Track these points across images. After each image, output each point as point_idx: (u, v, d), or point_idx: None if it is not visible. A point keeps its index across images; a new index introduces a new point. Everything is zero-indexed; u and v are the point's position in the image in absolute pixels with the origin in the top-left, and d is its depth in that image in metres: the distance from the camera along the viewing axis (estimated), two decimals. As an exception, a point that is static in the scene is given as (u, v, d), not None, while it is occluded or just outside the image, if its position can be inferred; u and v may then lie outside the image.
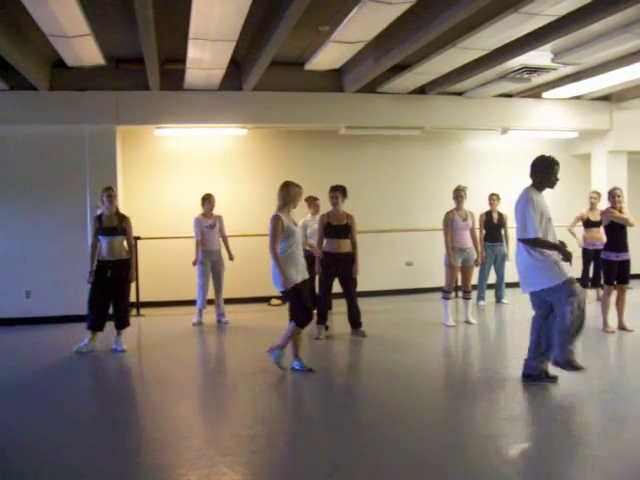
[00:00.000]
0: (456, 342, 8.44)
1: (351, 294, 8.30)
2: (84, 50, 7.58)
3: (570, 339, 5.68)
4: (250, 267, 9.99)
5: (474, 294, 9.71)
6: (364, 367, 7.42)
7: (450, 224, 8.78)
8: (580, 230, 10.32)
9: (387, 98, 10.52)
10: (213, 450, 4.55)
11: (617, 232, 8.05)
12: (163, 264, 10.53)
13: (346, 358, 7.88)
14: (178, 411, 5.56)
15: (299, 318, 6.40)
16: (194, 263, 9.22)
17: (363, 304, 8.56)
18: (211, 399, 6.07)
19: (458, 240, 8.80)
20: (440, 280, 9.13)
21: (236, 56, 8.31)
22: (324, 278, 8.16)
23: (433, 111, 10.82)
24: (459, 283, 9.25)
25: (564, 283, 5.66)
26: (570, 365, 5.75)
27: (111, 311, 7.74)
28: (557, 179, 5.90)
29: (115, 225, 7.65)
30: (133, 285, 8.27)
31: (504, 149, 12.31)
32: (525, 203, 5.78)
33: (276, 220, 6.34)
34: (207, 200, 9.30)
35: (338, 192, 8.24)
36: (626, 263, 8.08)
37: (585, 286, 10.39)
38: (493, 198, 10.42)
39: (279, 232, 6.32)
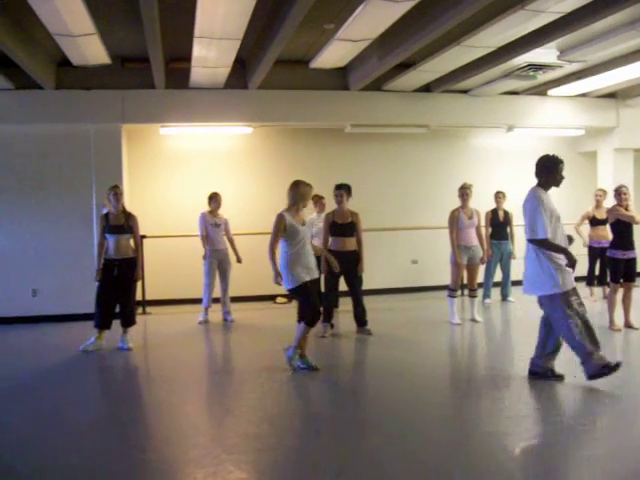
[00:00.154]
0: (462, 340, 8.43)
1: (357, 292, 8.30)
2: (89, 49, 7.60)
3: (591, 349, 5.64)
4: (256, 265, 9.99)
5: (480, 292, 9.70)
6: (370, 365, 7.41)
7: (456, 222, 8.76)
8: (586, 228, 10.29)
9: (392, 96, 10.51)
10: (219, 448, 4.55)
11: (623, 230, 8.02)
12: (168, 262, 10.55)
13: (352, 356, 7.88)
14: (184, 409, 5.57)
15: (308, 317, 6.40)
16: (204, 257, 9.24)
17: (369, 302, 8.56)
18: (217, 397, 6.08)
19: (464, 238, 8.78)
20: (446, 278, 9.12)
21: (241, 54, 8.32)
22: (329, 276, 8.16)
23: (438, 109, 10.81)
24: (465, 281, 9.23)
25: (562, 294, 5.66)
26: (607, 369, 5.65)
27: (117, 309, 7.76)
28: (562, 177, 5.88)
29: (122, 223, 7.66)
30: (139, 283, 8.28)
31: (510, 147, 12.29)
32: (534, 204, 5.74)
33: (278, 219, 6.37)
34: (214, 199, 9.31)
35: (343, 190, 8.24)
36: (632, 261, 8.06)
37: (591, 284, 10.40)
38: (499, 196, 10.40)
39: (280, 231, 6.35)
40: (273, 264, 6.43)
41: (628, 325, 8.13)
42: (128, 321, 7.76)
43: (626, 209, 8.01)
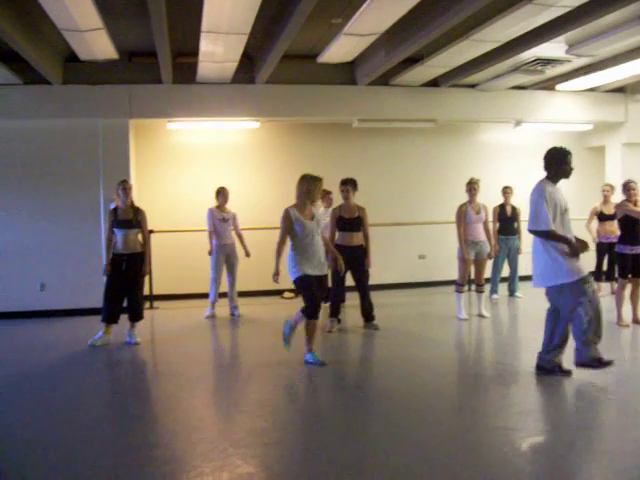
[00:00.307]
0: (469, 335, 8.42)
1: (364, 287, 8.30)
2: (97, 44, 7.61)
3: (591, 339, 5.65)
4: (263, 260, 9.98)
5: (487, 287, 9.68)
6: (377, 360, 7.41)
7: (463, 217, 8.75)
8: (594, 224, 10.26)
9: (400, 91, 10.50)
10: (226, 442, 4.57)
11: (631, 225, 7.98)
12: (176, 257, 10.57)
13: (359, 351, 7.88)
14: (191, 403, 5.59)
15: (306, 310, 6.44)
16: (210, 253, 9.26)
17: (376, 297, 8.56)
18: (224, 391, 6.09)
19: (471, 233, 8.77)
20: (453, 273, 9.11)
21: (248, 49, 8.31)
22: (336, 272, 8.14)
23: (446, 104, 10.79)
24: (472, 276, 9.22)
25: (574, 283, 5.63)
26: (598, 362, 5.71)
27: (125, 304, 7.78)
28: (572, 168, 5.87)
29: (130, 218, 7.67)
30: (146, 278, 8.30)
31: (517, 142, 12.26)
32: (539, 195, 5.76)
33: (283, 215, 6.42)
34: (221, 193, 9.32)
35: (349, 185, 8.24)
36: (640, 256, 8.04)
37: (599, 280, 10.36)
38: (507, 191, 10.37)
39: (286, 227, 6.38)
40: (276, 262, 6.45)
41: (636, 321, 8.11)
42: (136, 316, 7.78)
43: (635, 204, 7.97)
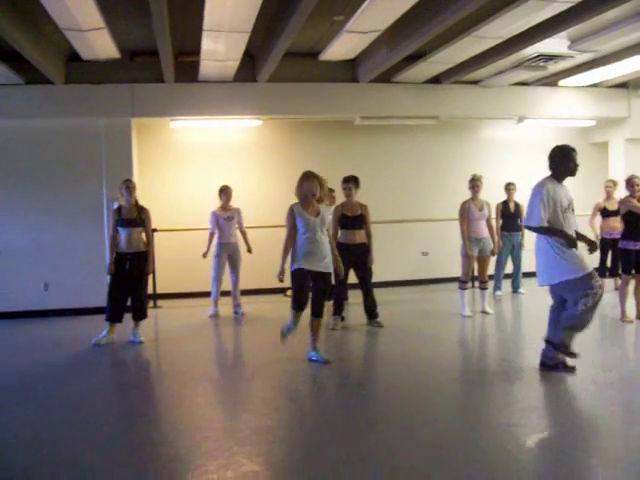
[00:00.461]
0: (473, 332, 8.42)
1: (367, 284, 8.30)
2: (99, 43, 7.61)
3: (576, 326, 5.72)
4: (266, 258, 9.99)
5: (491, 284, 9.68)
6: (380, 358, 7.41)
7: (466, 214, 8.74)
8: (598, 219, 10.24)
9: (402, 88, 10.49)
10: (231, 440, 4.57)
11: (635, 221, 7.96)
12: (179, 256, 10.57)
13: (362, 349, 7.88)
14: (195, 402, 5.59)
15: (293, 303, 6.45)
16: (204, 255, 9.25)
17: (379, 294, 8.56)
18: (228, 390, 6.10)
19: (474, 230, 8.76)
20: (456, 270, 9.11)
21: (250, 47, 8.30)
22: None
23: (448, 100, 10.77)
24: (476, 273, 9.21)
25: (583, 277, 5.62)
26: (565, 348, 5.81)
27: (129, 303, 7.79)
28: (577, 165, 5.86)
29: (134, 217, 7.68)
30: (150, 277, 8.31)
31: (520, 138, 12.24)
32: (537, 191, 5.79)
33: (287, 213, 6.41)
34: (224, 192, 9.32)
35: (351, 183, 8.24)
36: (644, 252, 8.02)
37: (603, 275, 10.34)
38: (510, 187, 10.36)
39: (289, 223, 6.38)
40: (282, 261, 6.43)
41: (640, 317, 8.10)
42: (140, 315, 7.79)
43: (638, 200, 7.95)
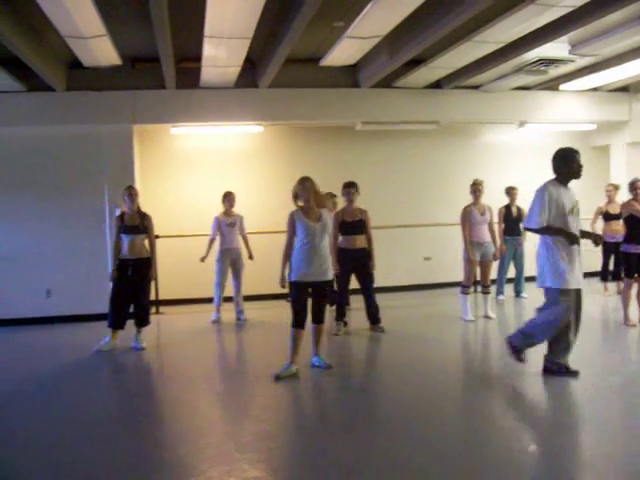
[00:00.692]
0: (475, 337, 8.41)
1: (368, 290, 8.29)
2: (100, 50, 7.63)
3: (531, 334, 5.89)
4: (268, 264, 9.99)
5: (493, 288, 9.67)
6: (383, 363, 7.41)
7: (468, 218, 8.75)
8: (599, 223, 10.24)
9: (403, 93, 10.49)
10: (233, 446, 4.57)
11: (637, 224, 7.96)
12: (181, 262, 10.56)
13: (365, 354, 7.88)
14: (198, 407, 5.59)
15: (292, 317, 6.34)
16: (202, 260, 9.25)
17: (382, 300, 8.55)
18: (230, 396, 6.09)
19: (476, 234, 8.77)
20: (459, 275, 9.10)
21: (251, 53, 8.31)
22: (341, 274, 8.14)
23: (449, 105, 10.78)
24: (478, 278, 9.21)
25: (556, 289, 5.73)
26: (516, 351, 5.99)
27: (131, 309, 7.79)
28: (581, 167, 5.86)
29: (137, 224, 7.69)
30: (152, 283, 8.31)
31: (521, 142, 12.24)
32: (538, 193, 5.82)
33: (288, 217, 6.34)
34: (227, 197, 9.33)
35: (353, 188, 8.24)
36: (646, 255, 8.01)
37: (605, 279, 10.35)
38: (512, 192, 10.35)
39: (289, 229, 6.31)
40: (282, 267, 6.38)
41: (643, 320, 8.08)
42: (142, 321, 7.79)
43: (641, 203, 7.95)
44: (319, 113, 10.40)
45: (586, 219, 9.87)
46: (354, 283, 8.38)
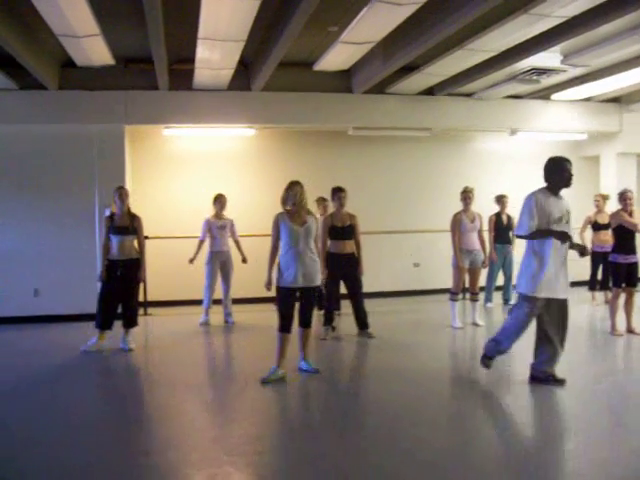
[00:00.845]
0: (463, 344, 8.42)
1: (356, 295, 8.28)
2: (93, 50, 7.62)
3: (499, 340, 6.05)
4: (257, 267, 9.95)
5: (481, 296, 9.69)
6: (370, 368, 7.40)
7: (458, 225, 8.76)
8: (589, 233, 10.29)
9: (396, 99, 10.52)
10: (219, 450, 4.55)
11: (625, 235, 8.01)
12: (170, 264, 10.53)
13: (352, 359, 7.87)
14: (185, 410, 5.57)
15: (278, 322, 6.32)
16: (190, 261, 9.23)
17: (370, 305, 8.55)
18: (217, 399, 6.08)
19: (466, 242, 8.78)
20: (448, 281, 9.12)
21: (245, 56, 8.32)
22: (329, 280, 8.13)
23: (442, 112, 10.81)
24: (467, 285, 9.23)
25: (525, 294, 5.87)
26: (484, 360, 6.19)
27: (120, 310, 7.76)
28: (571, 175, 5.88)
29: (127, 225, 7.67)
30: (141, 284, 8.28)
31: (513, 151, 12.29)
32: (526, 201, 5.87)
33: (273, 220, 6.33)
34: (218, 200, 9.32)
35: (344, 192, 8.24)
36: (634, 265, 8.05)
37: (593, 289, 10.39)
38: (503, 200, 10.39)
39: (273, 232, 6.30)
40: (268, 270, 6.39)
41: (630, 330, 8.11)
42: (130, 322, 7.76)
43: (630, 214, 7.99)
44: (312, 117, 10.41)
45: (575, 228, 9.92)
46: (343, 288, 8.38)
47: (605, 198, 10.24)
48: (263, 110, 10.13)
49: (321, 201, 9.52)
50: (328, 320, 8.32)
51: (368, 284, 8.65)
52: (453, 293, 8.86)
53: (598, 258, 10.02)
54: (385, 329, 8.67)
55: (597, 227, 10.08)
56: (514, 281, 10.31)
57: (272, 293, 6.39)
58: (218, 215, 9.34)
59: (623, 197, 8.09)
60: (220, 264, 9.34)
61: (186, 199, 10.83)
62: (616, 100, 11.51)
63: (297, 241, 6.21)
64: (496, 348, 6.13)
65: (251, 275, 9.60)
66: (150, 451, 4.62)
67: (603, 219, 9.89)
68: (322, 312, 8.40)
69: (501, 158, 12.28)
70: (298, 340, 6.54)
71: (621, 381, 6.40)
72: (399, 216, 11.68)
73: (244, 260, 9.34)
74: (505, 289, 10.66)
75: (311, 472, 4.21)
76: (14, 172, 9.60)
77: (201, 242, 9.30)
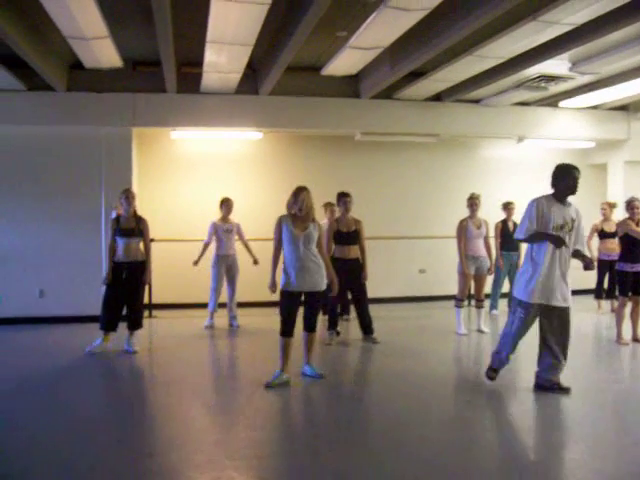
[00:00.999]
0: (468, 351, 8.40)
1: (361, 300, 8.28)
2: (102, 52, 7.64)
3: (502, 347, 6.08)
4: (262, 271, 9.95)
5: (487, 303, 9.66)
6: (374, 374, 7.38)
7: (464, 232, 8.75)
8: (595, 241, 10.25)
9: (403, 105, 10.52)
10: (222, 454, 4.54)
11: (632, 243, 7.97)
12: (176, 266, 10.53)
13: (357, 364, 7.86)
14: (188, 413, 5.56)
15: (280, 326, 6.30)
16: (194, 263, 9.23)
17: (376, 311, 8.54)
18: (220, 402, 6.07)
19: (471, 248, 8.76)
20: (453, 288, 9.09)
21: (253, 60, 8.34)
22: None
23: (449, 118, 10.80)
24: (472, 291, 9.21)
25: (519, 299, 5.92)
26: (488, 372, 6.23)
27: (124, 312, 7.76)
28: (576, 182, 5.85)
29: (133, 227, 7.67)
30: (146, 287, 8.28)
31: (520, 158, 12.26)
32: (528, 206, 5.89)
33: (276, 222, 6.32)
34: (225, 204, 9.32)
35: (350, 198, 8.24)
36: (640, 274, 8.02)
37: (599, 297, 10.35)
38: (510, 207, 10.35)
39: (275, 235, 6.30)
40: (271, 273, 6.35)
41: (636, 339, 8.07)
42: (135, 324, 7.77)
43: (637, 223, 7.95)
44: (319, 122, 10.42)
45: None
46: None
47: (612, 206, 10.20)
48: (270, 114, 10.14)
49: (328, 206, 9.50)
50: (332, 325, 8.31)
51: (374, 289, 8.63)
52: (458, 300, 8.84)
53: (604, 266, 9.98)
54: (390, 334, 8.65)
55: (604, 235, 10.04)
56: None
57: (277, 297, 6.38)
58: (224, 218, 9.34)
59: (630, 205, 8.05)
60: (226, 267, 9.34)
61: (193, 202, 10.84)
62: (624, 108, 11.48)
63: (296, 247, 6.19)
64: (498, 358, 6.15)
65: (256, 279, 9.59)
66: (153, 453, 4.61)
67: (610, 227, 9.86)
68: (327, 317, 8.39)
69: (508, 165, 12.25)
70: (303, 345, 6.53)
71: (626, 389, 6.37)
72: (405, 222, 11.66)
73: (255, 261, 9.30)
74: (510, 296, 10.59)
75: (313, 477, 4.19)
76: (20, 173, 9.63)
77: (206, 245, 9.31)
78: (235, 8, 5.92)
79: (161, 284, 10.15)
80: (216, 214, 9.38)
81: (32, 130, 9.66)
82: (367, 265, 8.28)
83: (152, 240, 8.10)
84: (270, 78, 8.76)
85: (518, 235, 5.94)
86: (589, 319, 9.83)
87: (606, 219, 10.08)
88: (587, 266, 5.85)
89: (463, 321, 8.86)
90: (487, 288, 9.40)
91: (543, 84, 9.31)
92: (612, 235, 9.72)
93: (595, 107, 11.27)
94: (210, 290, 9.39)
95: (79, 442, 4.82)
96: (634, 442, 4.84)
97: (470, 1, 6.17)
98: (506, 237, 10.30)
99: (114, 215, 8.03)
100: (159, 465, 4.35)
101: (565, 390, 5.86)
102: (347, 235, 8.16)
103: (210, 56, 7.66)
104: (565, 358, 5.90)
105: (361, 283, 8.24)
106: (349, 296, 8.47)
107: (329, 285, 6.50)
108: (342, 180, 10.11)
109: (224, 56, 7.64)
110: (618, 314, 8.16)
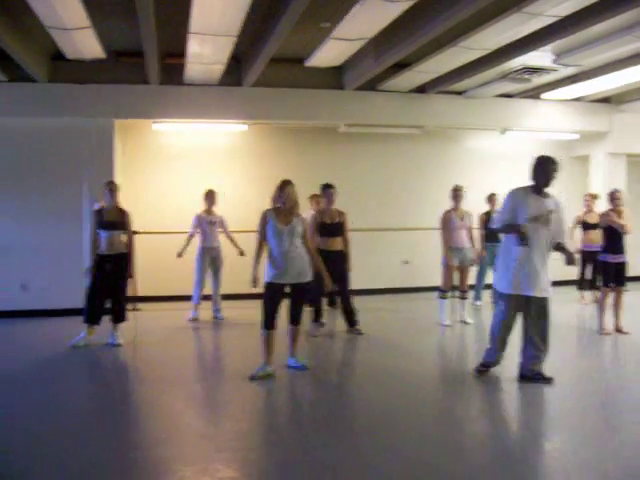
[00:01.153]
0: (452, 341, 8.43)
1: (344, 292, 8.28)
2: (84, 43, 7.57)
3: (490, 341, 6.14)
4: (246, 263, 9.91)
5: (471, 294, 9.70)
6: (359, 365, 7.40)
7: (448, 223, 8.77)
8: (578, 232, 10.32)
9: (387, 96, 10.51)
10: (208, 446, 4.54)
11: (614, 234, 8.04)
12: (159, 259, 10.47)
13: (341, 356, 7.87)
14: (173, 406, 5.55)
15: (262, 318, 6.29)
16: (178, 255, 9.17)
17: (360, 302, 8.56)
18: (206, 395, 6.06)
19: (455, 240, 8.79)
20: (437, 279, 9.11)
21: (237, 51, 8.28)
22: (316, 275, 8.08)
23: (433, 110, 10.82)
24: (456, 283, 9.24)
25: (500, 292, 6.01)
26: (478, 367, 6.26)
27: (108, 305, 7.71)
28: (551, 174, 5.86)
29: (116, 220, 7.62)
30: (130, 279, 8.23)
31: (503, 149, 12.30)
32: (505, 197, 6.00)
33: (261, 215, 6.32)
34: (209, 196, 9.29)
35: (334, 189, 8.24)
36: (622, 265, 8.08)
37: (582, 288, 10.42)
38: (493, 198, 10.40)
39: (259, 228, 6.29)
40: (253, 266, 6.32)
41: (618, 329, 8.14)
42: (119, 317, 7.73)
43: (620, 214, 8.01)
44: (303, 113, 10.39)
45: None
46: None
47: (595, 198, 10.27)
48: (254, 106, 10.10)
49: (315, 197, 9.48)
50: (316, 317, 8.31)
51: (358, 281, 8.64)
52: (442, 291, 8.87)
53: (587, 257, 10.04)
54: (374, 326, 8.66)
55: (586, 227, 10.11)
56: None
57: (261, 289, 6.36)
58: (209, 210, 9.31)
59: (613, 197, 8.11)
60: (210, 260, 9.31)
61: (176, 194, 10.77)
62: (606, 100, 11.55)
63: (280, 240, 6.19)
64: (487, 352, 6.19)
65: (240, 271, 9.56)
66: (139, 446, 4.60)
67: (592, 219, 9.92)
68: (312, 309, 8.39)
69: (492, 156, 12.29)
70: (288, 337, 6.52)
71: (609, 379, 6.43)
72: (389, 213, 11.67)
73: (241, 253, 9.24)
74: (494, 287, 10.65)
75: (300, 468, 4.20)
76: (0, 165, 9.51)
77: (190, 237, 9.27)
78: (219, -2, 5.89)
79: (145, 277, 10.06)
80: (200, 206, 9.34)
81: (13, 122, 9.54)
82: (351, 257, 8.28)
83: (135, 232, 8.05)
84: (254, 69, 8.72)
85: (493, 225, 6.08)
86: (572, 310, 9.91)
87: (589, 210, 10.14)
88: (569, 261, 5.90)
89: (447, 312, 8.90)
90: (471, 279, 9.43)
91: (526, 76, 9.34)
92: (594, 226, 9.78)
93: (578, 99, 11.32)
94: (194, 283, 9.35)
95: (63, 436, 4.79)
96: (616, 430, 4.89)
97: (454, -8, 6.17)
98: (490, 228, 10.34)
99: (97, 207, 7.97)
100: (144, 458, 4.34)
101: (548, 380, 5.91)
102: (331, 227, 8.16)
103: (194, 47, 7.61)
104: (546, 348, 5.94)
105: (345, 275, 8.24)
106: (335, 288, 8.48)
107: (317, 278, 6.50)
108: (326, 172, 10.08)
109: (208, 47, 7.59)
110: (600, 305, 8.23)
